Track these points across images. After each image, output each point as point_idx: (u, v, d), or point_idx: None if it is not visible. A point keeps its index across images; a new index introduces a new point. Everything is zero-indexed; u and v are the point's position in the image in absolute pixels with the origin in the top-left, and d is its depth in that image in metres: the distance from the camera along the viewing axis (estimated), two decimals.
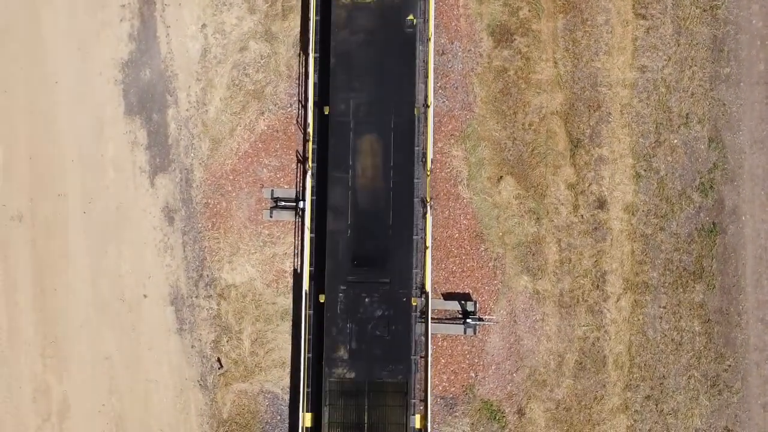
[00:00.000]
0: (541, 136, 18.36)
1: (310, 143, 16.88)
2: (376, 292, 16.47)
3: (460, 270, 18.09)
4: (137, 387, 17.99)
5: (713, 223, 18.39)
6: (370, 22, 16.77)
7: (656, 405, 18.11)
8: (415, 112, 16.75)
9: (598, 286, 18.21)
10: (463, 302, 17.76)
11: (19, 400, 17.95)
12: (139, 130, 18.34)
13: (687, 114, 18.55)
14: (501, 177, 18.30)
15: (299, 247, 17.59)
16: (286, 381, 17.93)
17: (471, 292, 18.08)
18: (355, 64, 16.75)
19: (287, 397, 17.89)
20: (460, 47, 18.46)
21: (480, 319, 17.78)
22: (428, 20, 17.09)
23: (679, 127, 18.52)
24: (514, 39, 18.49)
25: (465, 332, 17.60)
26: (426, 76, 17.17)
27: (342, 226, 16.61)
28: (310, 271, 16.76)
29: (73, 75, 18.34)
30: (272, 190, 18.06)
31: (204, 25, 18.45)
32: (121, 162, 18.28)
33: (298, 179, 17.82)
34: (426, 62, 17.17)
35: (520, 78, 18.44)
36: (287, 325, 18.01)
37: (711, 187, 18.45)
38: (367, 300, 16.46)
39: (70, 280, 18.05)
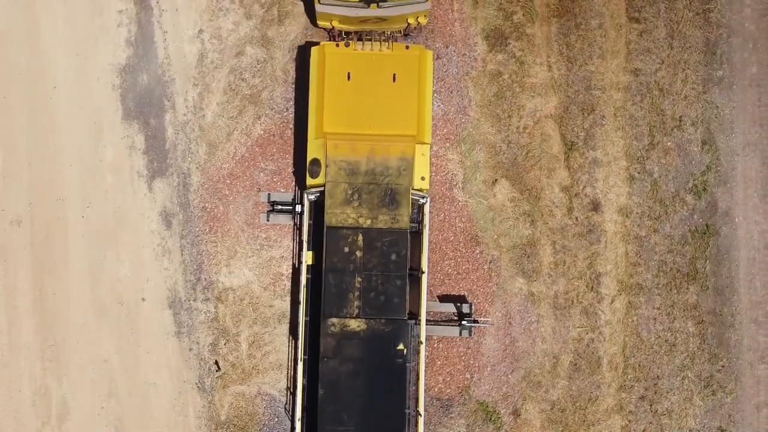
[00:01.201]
0: (536, 139, 18.46)
1: None
2: None
3: (455, 272, 18.19)
4: (136, 390, 18.09)
5: (706, 225, 18.49)
6: (360, 351, 16.05)
7: (650, 405, 18.22)
8: None
9: (592, 287, 18.31)
10: (458, 304, 17.83)
11: (18, 404, 18.04)
12: (137, 135, 18.43)
13: (680, 117, 18.64)
14: (496, 180, 18.40)
15: None
16: (283, 383, 18.05)
17: (466, 294, 18.19)
18: (344, 395, 16.01)
19: (284, 399, 18.02)
20: (454, 51, 18.57)
21: (475, 321, 17.88)
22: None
23: (672, 129, 18.61)
24: (509, 43, 18.59)
25: (460, 334, 17.65)
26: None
27: None
28: None
29: (71, 80, 18.43)
30: (269, 194, 18.14)
31: (201, 30, 18.54)
32: (119, 166, 18.38)
33: None
34: (418, 373, 16.40)
35: (514, 82, 18.54)
36: (284, 328, 18.12)
37: (704, 189, 18.54)
38: None
39: (69, 283, 18.14)
